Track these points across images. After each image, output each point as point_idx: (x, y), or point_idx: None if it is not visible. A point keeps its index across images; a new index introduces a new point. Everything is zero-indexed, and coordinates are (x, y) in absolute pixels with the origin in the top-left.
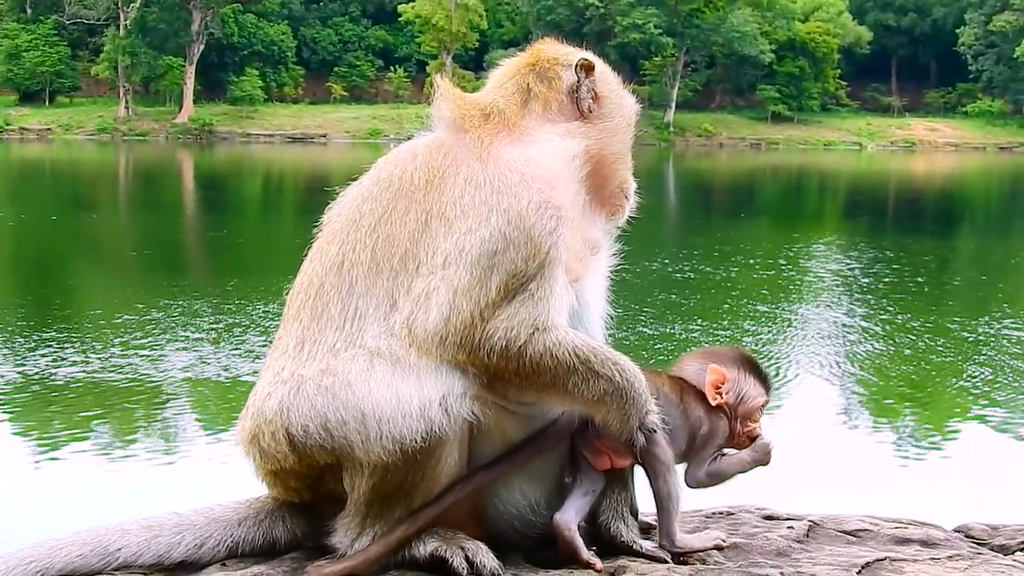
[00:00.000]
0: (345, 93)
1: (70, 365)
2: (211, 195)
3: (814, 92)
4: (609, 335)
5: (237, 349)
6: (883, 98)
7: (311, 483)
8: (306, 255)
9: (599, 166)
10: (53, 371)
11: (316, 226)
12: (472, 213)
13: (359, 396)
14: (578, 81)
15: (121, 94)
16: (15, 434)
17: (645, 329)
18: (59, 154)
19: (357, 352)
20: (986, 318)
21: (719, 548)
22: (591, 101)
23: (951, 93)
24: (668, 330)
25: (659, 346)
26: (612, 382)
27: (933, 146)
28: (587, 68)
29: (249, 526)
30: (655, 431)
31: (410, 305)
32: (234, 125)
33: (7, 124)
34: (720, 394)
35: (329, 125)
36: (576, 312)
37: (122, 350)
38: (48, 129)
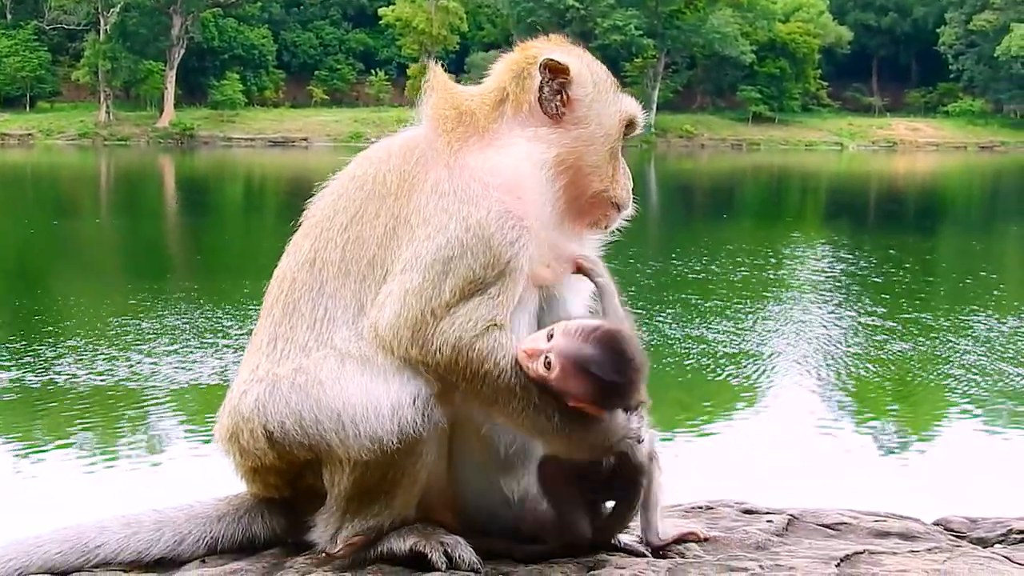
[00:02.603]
0: (326, 96)
1: (49, 370)
2: (193, 199)
3: (795, 93)
4: None
5: (217, 352)
6: (864, 98)
7: (290, 479)
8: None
9: (574, 175)
10: (32, 376)
11: (285, 231)
12: (433, 221)
13: (331, 396)
14: (543, 82)
15: (102, 99)
16: None
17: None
18: (40, 159)
19: (328, 352)
20: (966, 316)
21: (697, 539)
22: (559, 104)
23: (932, 93)
24: (646, 328)
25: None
26: (552, 422)
27: (914, 146)
28: (552, 69)
29: (228, 522)
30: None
31: (374, 311)
32: (215, 129)
33: None
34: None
35: (310, 129)
36: (544, 315)
37: (102, 354)
38: (29, 134)
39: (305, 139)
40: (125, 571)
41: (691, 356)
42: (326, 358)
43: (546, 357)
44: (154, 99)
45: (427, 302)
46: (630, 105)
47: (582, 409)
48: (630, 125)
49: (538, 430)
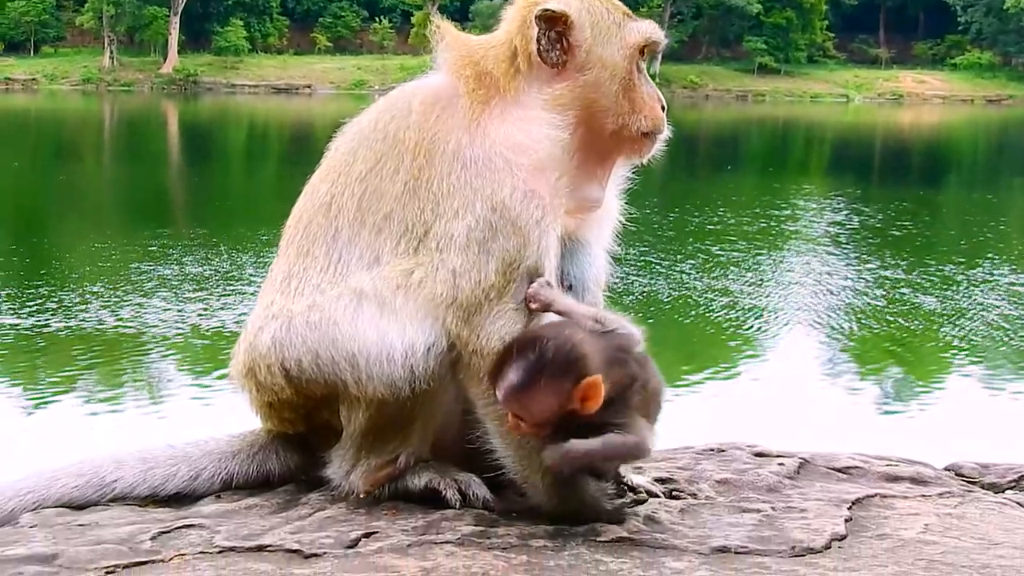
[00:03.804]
0: (330, 44)
1: (54, 315)
2: (199, 145)
3: (801, 44)
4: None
5: (243, 300)
6: (871, 50)
7: (306, 415)
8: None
9: (590, 123)
10: (37, 322)
11: (301, 176)
12: (458, 195)
13: (346, 336)
14: (540, 33)
15: (106, 44)
16: (2, 384)
17: (629, 281)
18: (44, 104)
19: (343, 291)
20: (972, 267)
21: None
22: (559, 53)
23: (940, 45)
24: (649, 281)
25: (644, 298)
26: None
27: (921, 98)
28: (547, 19)
29: (243, 459)
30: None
31: (429, 282)
32: (219, 75)
33: None
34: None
35: (314, 76)
36: (567, 262)
37: (127, 301)
38: (33, 79)
39: (308, 86)
40: (141, 505)
41: (714, 308)
42: (340, 297)
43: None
44: (158, 45)
45: (477, 285)
46: (639, 31)
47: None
48: (646, 48)
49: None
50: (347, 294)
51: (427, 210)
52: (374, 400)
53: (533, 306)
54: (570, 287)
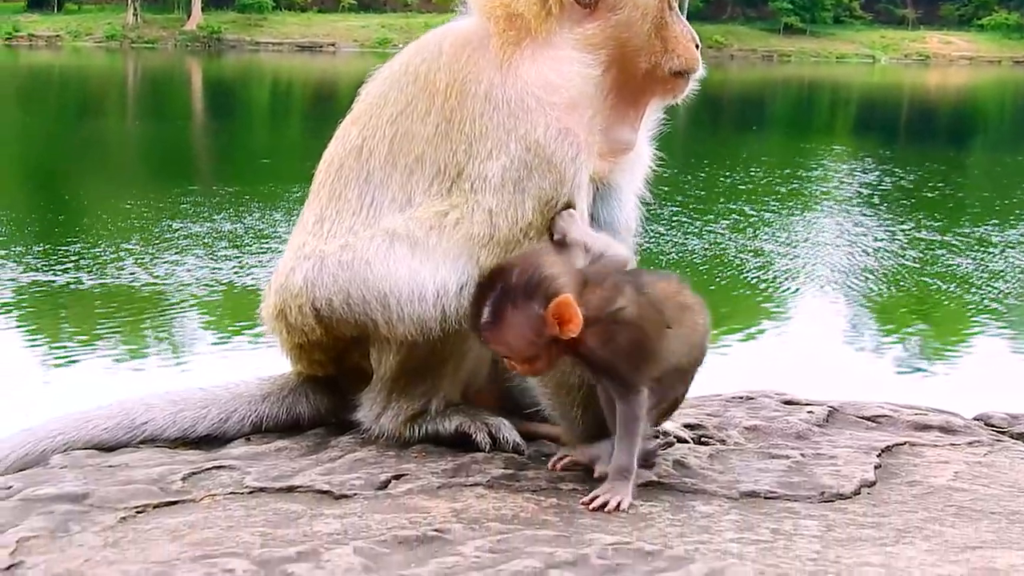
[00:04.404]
0: (354, 1)
1: (89, 272)
2: (221, 102)
3: (827, 4)
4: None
5: (254, 255)
6: (897, 10)
7: (336, 356)
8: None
9: (622, 63)
10: (72, 279)
11: (327, 134)
12: (491, 136)
13: (378, 275)
14: None
15: (129, 1)
16: (27, 340)
17: (663, 240)
18: (68, 61)
19: (375, 233)
20: (1008, 228)
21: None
22: None
23: (967, 5)
24: (682, 240)
25: (678, 257)
26: None
27: (947, 60)
28: None
29: (273, 402)
30: None
31: (465, 223)
32: (243, 33)
33: (16, 31)
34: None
35: (338, 34)
36: (598, 206)
37: (161, 258)
38: (57, 36)
39: (332, 44)
40: (171, 447)
41: (748, 268)
42: (373, 238)
43: None
44: (182, 2)
45: (515, 224)
46: None
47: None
48: None
49: None
50: (380, 235)
51: (459, 151)
52: (404, 342)
53: (556, 237)
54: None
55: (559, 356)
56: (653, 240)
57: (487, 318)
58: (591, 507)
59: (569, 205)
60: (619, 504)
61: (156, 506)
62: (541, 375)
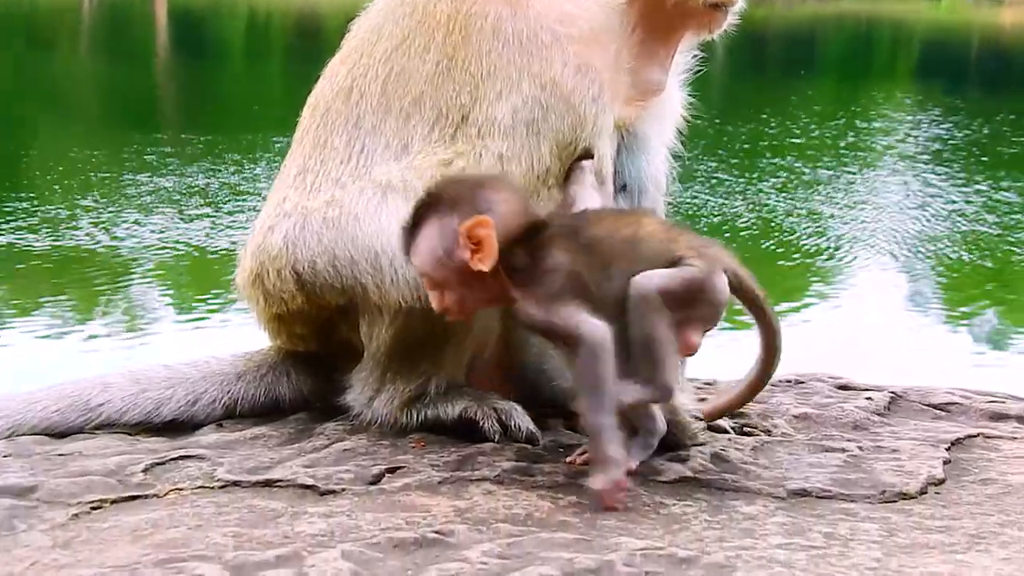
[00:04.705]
0: None
1: (37, 233)
2: (189, 39)
3: None
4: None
5: (219, 214)
6: None
7: (321, 329)
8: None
9: None
10: (17, 239)
11: (310, 78)
12: (501, 75)
13: (368, 232)
14: None
15: None
16: None
17: (701, 200)
18: None
19: (365, 185)
20: None
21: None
22: None
23: None
24: (724, 201)
25: (719, 220)
26: None
27: None
28: None
29: (249, 381)
30: None
31: (459, 163)
32: None
33: None
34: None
35: None
36: (624, 157)
37: (123, 217)
38: None
39: None
40: (131, 434)
41: (799, 233)
42: (363, 191)
43: None
44: None
45: (531, 169)
46: None
47: None
48: None
49: None
50: (371, 187)
51: (463, 93)
52: (399, 310)
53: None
54: (624, 187)
55: (477, 298)
56: (690, 201)
57: (409, 220)
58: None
59: (589, 153)
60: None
61: (114, 501)
62: (455, 316)
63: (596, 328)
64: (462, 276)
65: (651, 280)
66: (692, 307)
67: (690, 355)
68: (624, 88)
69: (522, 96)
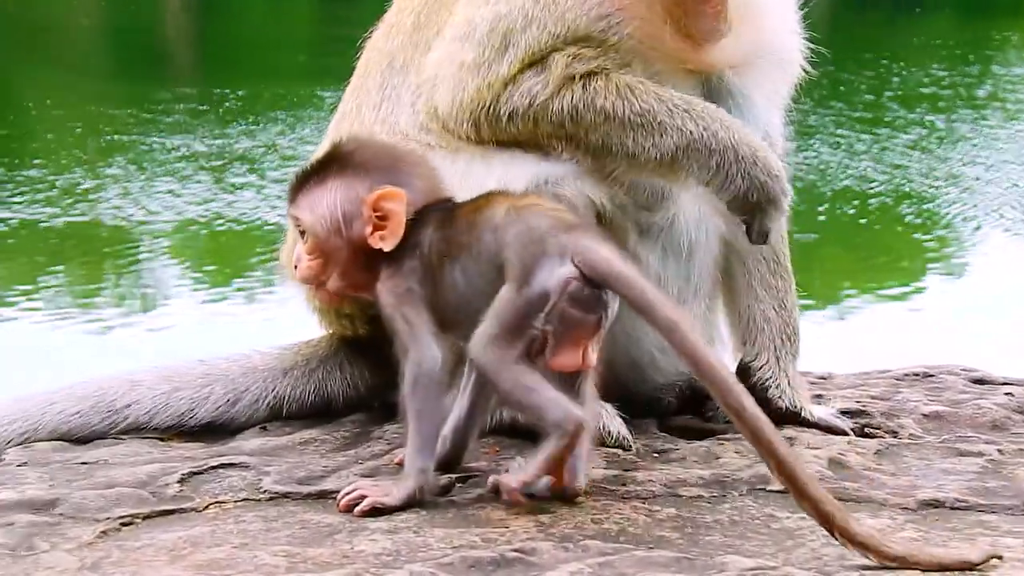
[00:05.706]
0: None
1: (29, 206)
2: None
3: None
4: None
5: (264, 182)
6: None
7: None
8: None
9: None
10: (7, 212)
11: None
12: None
13: None
14: None
15: None
16: None
17: (810, 161)
18: None
19: (395, 134)
20: None
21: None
22: None
23: None
24: (822, 160)
25: (812, 181)
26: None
27: None
28: None
29: (297, 377)
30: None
31: (427, 88)
32: None
33: None
34: None
35: None
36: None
37: (112, 184)
38: None
39: None
40: (162, 439)
41: (937, 201)
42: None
43: None
44: None
45: (483, 78)
46: None
47: None
48: None
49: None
50: (400, 138)
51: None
52: None
53: None
54: None
55: (354, 281)
56: (809, 162)
57: (309, 169)
58: (340, 505)
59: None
60: (373, 505)
61: (146, 516)
62: (323, 296)
63: (425, 358)
64: (352, 250)
65: (479, 341)
66: (548, 322)
67: (586, 368)
68: (666, 32)
69: (510, 5)
